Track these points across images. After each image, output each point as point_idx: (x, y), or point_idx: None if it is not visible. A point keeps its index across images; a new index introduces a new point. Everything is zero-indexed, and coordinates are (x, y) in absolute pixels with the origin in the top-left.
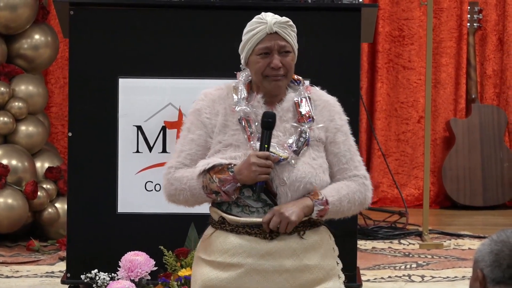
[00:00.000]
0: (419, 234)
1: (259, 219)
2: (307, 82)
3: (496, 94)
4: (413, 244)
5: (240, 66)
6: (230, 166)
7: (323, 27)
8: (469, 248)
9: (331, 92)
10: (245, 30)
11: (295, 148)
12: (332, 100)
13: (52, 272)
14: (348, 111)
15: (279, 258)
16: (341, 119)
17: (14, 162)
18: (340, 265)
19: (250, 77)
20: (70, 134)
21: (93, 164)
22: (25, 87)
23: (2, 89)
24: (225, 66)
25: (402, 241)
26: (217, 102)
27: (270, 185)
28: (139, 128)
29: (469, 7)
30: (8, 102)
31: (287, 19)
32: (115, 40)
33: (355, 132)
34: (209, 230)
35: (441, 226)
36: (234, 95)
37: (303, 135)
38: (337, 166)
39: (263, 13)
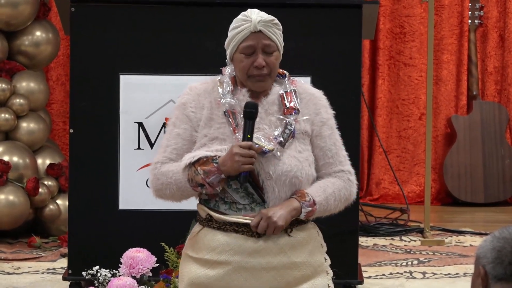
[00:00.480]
0: (421, 231)
1: (246, 220)
2: (306, 80)
3: (497, 91)
4: (415, 240)
5: (226, 61)
6: (214, 157)
7: (324, 24)
8: (471, 245)
9: (332, 88)
10: (230, 27)
11: (280, 140)
12: (318, 93)
13: (54, 269)
14: (349, 108)
15: (266, 256)
16: (327, 113)
17: (15, 158)
18: (328, 261)
19: (234, 72)
20: (71, 130)
21: (94, 160)
22: (26, 84)
23: (3, 85)
24: (225, 63)
25: (403, 237)
26: (202, 95)
27: (256, 179)
28: (140, 125)
29: (470, 4)
30: (9, 98)
31: (272, 17)
32: (116, 37)
33: (357, 129)
34: (197, 227)
35: (443, 223)
36: (219, 88)
37: (289, 127)
38: (322, 160)
39: (249, 10)
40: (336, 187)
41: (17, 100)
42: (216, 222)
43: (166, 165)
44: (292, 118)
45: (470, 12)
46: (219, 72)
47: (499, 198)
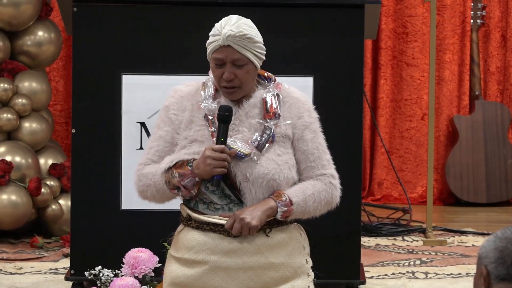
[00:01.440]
0: (423, 231)
1: (222, 221)
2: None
3: (499, 90)
4: (417, 241)
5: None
6: (190, 161)
7: (327, 24)
8: (473, 245)
9: (334, 88)
10: (210, 32)
11: (256, 144)
12: (303, 98)
13: (56, 269)
14: (352, 108)
15: (242, 256)
16: (311, 117)
17: (17, 158)
18: (310, 263)
19: None
20: (73, 131)
21: (97, 160)
22: (29, 84)
23: (6, 85)
24: None
25: (405, 238)
26: (185, 98)
27: (233, 180)
28: (142, 124)
29: (472, 4)
30: (11, 98)
31: (244, 32)
32: (119, 37)
33: (359, 129)
34: (180, 227)
35: (445, 223)
36: (202, 92)
37: (267, 131)
38: (304, 163)
39: (223, 20)
40: (316, 189)
41: (20, 100)
42: (194, 222)
43: (148, 166)
44: (272, 123)
45: (472, 12)
46: None
47: (502, 198)
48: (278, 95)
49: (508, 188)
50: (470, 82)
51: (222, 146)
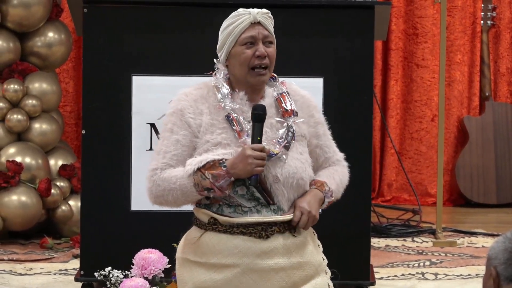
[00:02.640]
0: (433, 232)
1: (254, 219)
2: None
3: (509, 92)
4: (427, 242)
5: (215, 65)
6: (221, 161)
7: (337, 24)
8: (483, 246)
9: (345, 89)
10: (223, 26)
11: (284, 143)
12: (308, 95)
13: (66, 270)
14: (362, 109)
15: (274, 257)
16: (318, 112)
17: (28, 159)
18: (326, 261)
19: (228, 76)
20: (83, 132)
21: (107, 161)
22: (39, 85)
23: (16, 86)
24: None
25: (415, 239)
26: (199, 101)
27: (264, 182)
28: (152, 125)
29: (482, 5)
30: (22, 99)
31: (268, 11)
32: (129, 38)
33: (369, 130)
34: (196, 231)
35: (455, 224)
36: (217, 93)
37: (291, 130)
38: (322, 156)
39: (240, 8)
40: (339, 174)
41: (30, 101)
42: (221, 226)
43: (166, 171)
44: (291, 121)
45: (482, 13)
46: None
47: (511, 199)
48: (287, 93)
49: None
50: (480, 83)
51: (261, 145)
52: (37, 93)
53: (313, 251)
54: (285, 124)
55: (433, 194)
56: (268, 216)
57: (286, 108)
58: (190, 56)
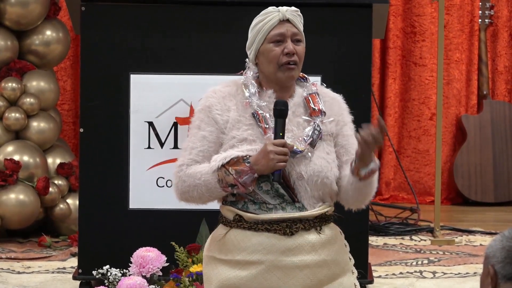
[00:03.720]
0: (431, 230)
1: (279, 216)
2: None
3: (507, 90)
4: (425, 240)
5: (245, 64)
6: (245, 157)
7: (335, 23)
8: (481, 244)
9: (343, 88)
10: (253, 24)
11: (310, 141)
12: (339, 97)
13: (64, 268)
14: (360, 108)
15: (299, 254)
16: (348, 116)
17: (25, 158)
18: (353, 261)
19: (257, 74)
20: (81, 130)
21: (105, 160)
22: (37, 83)
23: (14, 85)
24: (236, 63)
25: (413, 237)
26: (227, 98)
27: (288, 179)
28: (150, 124)
29: (480, 3)
30: (19, 98)
31: (297, 8)
32: (127, 36)
33: None
34: (222, 229)
35: (453, 222)
36: (245, 90)
37: (317, 129)
38: (345, 156)
39: (270, 7)
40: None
41: (28, 100)
42: (246, 222)
43: (192, 167)
44: (318, 120)
45: (480, 12)
46: (230, 71)
47: (510, 198)
48: (317, 93)
49: None
50: (478, 82)
51: (283, 140)
52: (35, 91)
53: (340, 250)
54: (312, 123)
55: (431, 193)
56: (292, 213)
57: (314, 107)
58: (188, 55)
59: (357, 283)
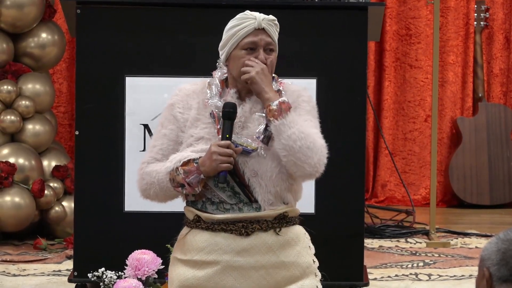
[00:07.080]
0: (426, 233)
1: (235, 215)
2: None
3: (503, 92)
4: (420, 242)
5: (217, 64)
6: (197, 158)
7: (330, 25)
8: (476, 247)
9: (338, 90)
10: (228, 26)
11: (262, 138)
12: (303, 92)
13: (59, 271)
14: (355, 110)
15: (255, 255)
16: (308, 103)
17: (21, 160)
18: (317, 263)
19: (225, 75)
20: (77, 132)
21: (100, 162)
22: (32, 86)
23: (9, 87)
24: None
25: (409, 239)
26: (190, 96)
27: (242, 177)
28: (146, 126)
29: (476, 6)
30: (15, 100)
31: (274, 17)
32: (122, 39)
33: (362, 131)
34: (184, 230)
35: (448, 224)
36: (208, 90)
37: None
38: None
39: (247, 11)
40: (308, 136)
41: (23, 102)
42: (204, 223)
43: (151, 165)
44: None
45: (475, 14)
46: None
47: (505, 200)
48: (279, 90)
49: (511, 190)
50: (473, 84)
51: (228, 141)
52: (31, 94)
53: (301, 252)
54: (265, 119)
55: (426, 195)
56: (249, 213)
57: None
58: (184, 57)
59: (320, 286)
